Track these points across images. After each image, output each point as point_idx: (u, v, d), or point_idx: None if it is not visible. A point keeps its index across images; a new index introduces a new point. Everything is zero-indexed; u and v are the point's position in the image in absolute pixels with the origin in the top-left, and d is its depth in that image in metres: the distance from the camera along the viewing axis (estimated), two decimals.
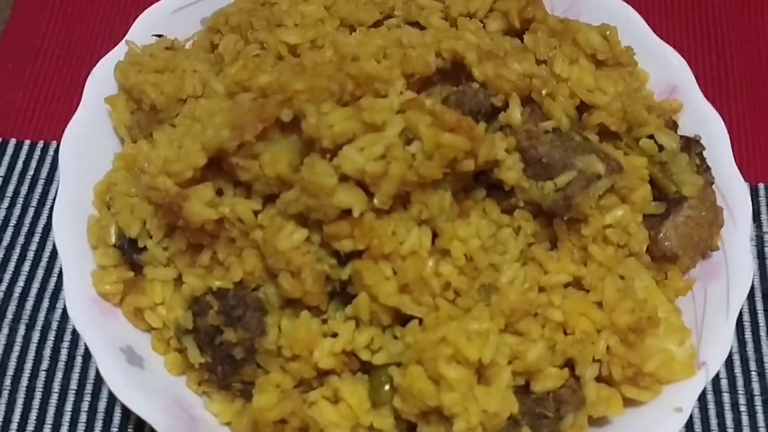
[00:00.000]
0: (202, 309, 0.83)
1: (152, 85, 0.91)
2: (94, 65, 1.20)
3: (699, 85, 1.21)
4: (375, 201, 0.78)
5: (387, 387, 0.82)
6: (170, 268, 0.88)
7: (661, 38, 1.26)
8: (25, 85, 1.20)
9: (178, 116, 0.90)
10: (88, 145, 0.94)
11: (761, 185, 1.16)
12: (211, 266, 0.85)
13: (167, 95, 0.91)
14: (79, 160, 0.93)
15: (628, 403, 0.87)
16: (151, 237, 0.88)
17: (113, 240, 0.89)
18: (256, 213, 0.84)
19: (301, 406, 0.81)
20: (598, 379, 0.85)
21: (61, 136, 1.15)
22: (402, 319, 0.81)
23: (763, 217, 1.14)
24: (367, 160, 0.77)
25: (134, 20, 1.24)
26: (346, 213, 0.78)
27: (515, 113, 0.85)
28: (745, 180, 1.15)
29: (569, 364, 0.84)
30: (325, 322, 0.84)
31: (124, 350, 0.85)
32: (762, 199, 1.15)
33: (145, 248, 0.88)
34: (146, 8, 1.21)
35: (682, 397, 0.86)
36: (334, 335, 0.83)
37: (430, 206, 0.80)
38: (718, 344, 0.88)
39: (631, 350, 0.84)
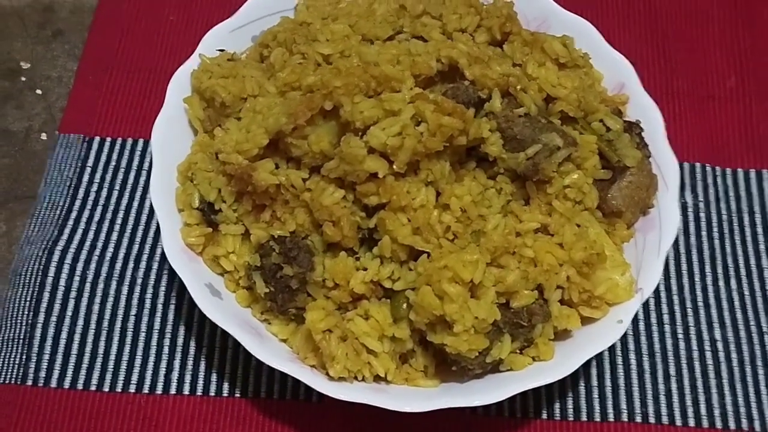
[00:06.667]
0: (267, 252, 1.05)
1: (222, 87, 1.13)
2: (158, 78, 1.47)
3: (648, 84, 1.44)
4: (394, 166, 1.00)
5: (404, 307, 1.02)
6: (239, 225, 1.09)
7: (620, 47, 1.50)
8: (103, 95, 1.43)
9: (243, 111, 1.12)
10: (171, 134, 1.15)
11: (698, 164, 1.39)
12: (271, 221, 1.07)
13: (233, 95, 1.13)
14: (165, 145, 1.14)
15: (585, 320, 1.05)
16: (224, 201, 1.08)
17: (197, 204, 1.09)
18: (304, 180, 1.05)
19: (341, 322, 1.03)
20: (562, 302, 1.05)
21: (133, 134, 1.42)
22: (415, 255, 1.03)
23: (699, 189, 1.37)
24: (388, 137, 0.99)
25: (190, 41, 1.51)
26: (373, 176, 1.01)
27: (496, 103, 1.07)
28: (686, 160, 1.40)
29: (539, 289, 1.03)
30: (357, 259, 1.04)
31: (207, 285, 1.07)
32: (698, 175, 1.38)
33: (220, 210, 1.08)
34: (200, 30, 1.47)
35: (623, 314, 1.04)
36: (365, 269, 1.03)
37: (434, 172, 1.03)
38: (651, 276, 1.08)
39: (585, 279, 1.03)
